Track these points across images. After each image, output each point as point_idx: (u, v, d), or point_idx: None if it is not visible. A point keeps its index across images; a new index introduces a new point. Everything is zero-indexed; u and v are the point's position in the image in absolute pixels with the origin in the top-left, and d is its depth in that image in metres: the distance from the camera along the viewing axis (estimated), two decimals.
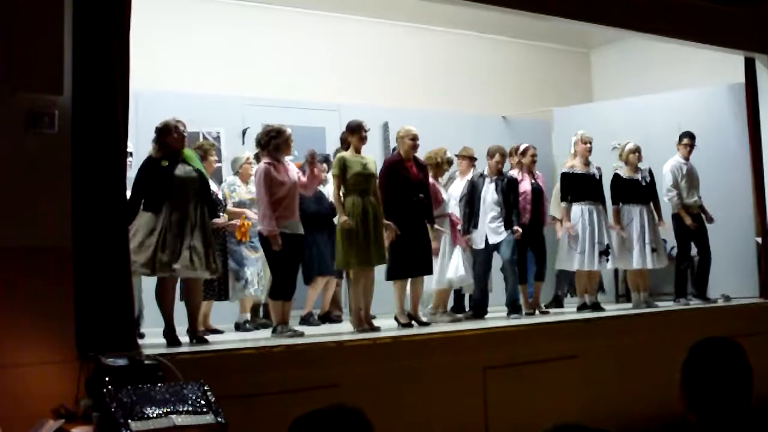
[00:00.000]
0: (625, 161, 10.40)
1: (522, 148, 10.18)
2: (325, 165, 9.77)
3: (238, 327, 9.18)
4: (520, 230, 9.51)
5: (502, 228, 9.48)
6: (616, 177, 10.36)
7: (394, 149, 10.09)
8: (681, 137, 10.80)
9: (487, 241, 9.51)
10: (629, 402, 8.33)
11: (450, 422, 7.14)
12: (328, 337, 7.65)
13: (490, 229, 9.51)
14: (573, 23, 10.36)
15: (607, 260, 10.06)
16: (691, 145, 10.72)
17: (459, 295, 10.11)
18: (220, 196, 8.90)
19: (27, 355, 5.62)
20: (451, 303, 10.02)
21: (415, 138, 8.72)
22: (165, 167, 7.28)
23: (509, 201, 9.55)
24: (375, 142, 10.99)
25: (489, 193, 9.58)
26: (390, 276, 8.58)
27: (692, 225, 10.44)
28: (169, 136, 7.41)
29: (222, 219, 8.76)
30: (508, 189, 9.59)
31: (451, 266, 9.37)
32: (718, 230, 10.67)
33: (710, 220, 10.65)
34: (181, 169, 7.35)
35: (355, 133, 8.32)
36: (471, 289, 9.79)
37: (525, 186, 9.88)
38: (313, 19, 12.12)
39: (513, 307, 9.44)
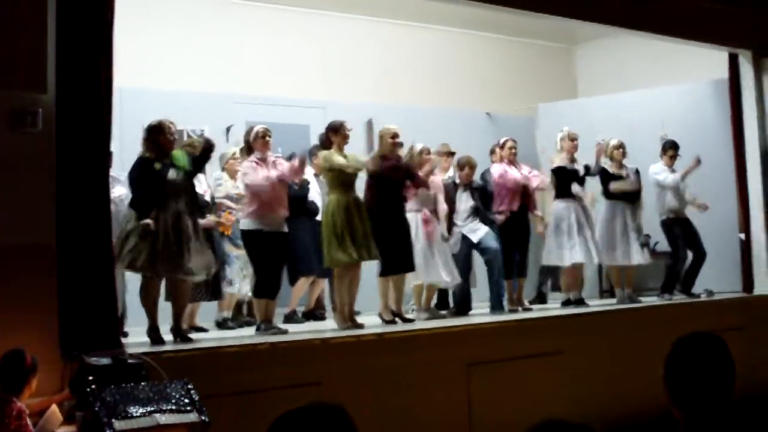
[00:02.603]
0: (609, 157, 10.40)
1: (501, 141, 10.20)
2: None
3: (219, 325, 9.15)
4: (501, 217, 9.68)
5: (479, 224, 9.62)
6: (604, 172, 10.35)
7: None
8: (666, 148, 10.75)
9: (467, 240, 9.60)
10: (615, 397, 8.36)
11: (434, 419, 7.14)
12: (312, 335, 7.65)
13: (469, 229, 9.63)
14: (557, 19, 10.39)
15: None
16: (676, 156, 10.71)
17: (443, 291, 10.10)
18: (207, 197, 8.87)
19: None
20: (434, 300, 10.01)
21: (395, 136, 8.74)
22: (158, 171, 7.25)
23: (483, 209, 9.76)
24: (359, 139, 10.97)
25: (462, 202, 9.73)
26: (384, 272, 8.58)
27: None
28: (162, 136, 7.38)
29: (210, 219, 8.80)
30: (482, 197, 9.81)
31: (441, 267, 9.29)
32: (702, 226, 10.67)
33: (704, 207, 10.65)
34: (172, 173, 7.34)
35: (338, 133, 8.32)
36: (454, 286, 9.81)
37: (514, 174, 9.88)
38: (298, 17, 12.10)
39: (497, 304, 9.48)
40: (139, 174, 7.30)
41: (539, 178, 10.09)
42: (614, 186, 10.26)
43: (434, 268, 9.12)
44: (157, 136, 7.39)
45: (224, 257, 8.95)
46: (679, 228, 10.53)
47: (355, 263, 8.18)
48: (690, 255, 10.56)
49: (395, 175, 8.63)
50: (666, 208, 10.57)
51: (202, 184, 8.71)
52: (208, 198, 8.92)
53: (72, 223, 6.16)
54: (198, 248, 7.33)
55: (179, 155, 7.58)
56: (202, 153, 7.62)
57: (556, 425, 2.30)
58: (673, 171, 10.64)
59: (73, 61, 6.27)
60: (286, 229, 8.06)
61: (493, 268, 9.63)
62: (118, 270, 7.39)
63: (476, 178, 10.06)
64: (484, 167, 10.40)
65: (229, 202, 9.05)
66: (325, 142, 8.45)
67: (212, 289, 8.82)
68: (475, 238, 9.59)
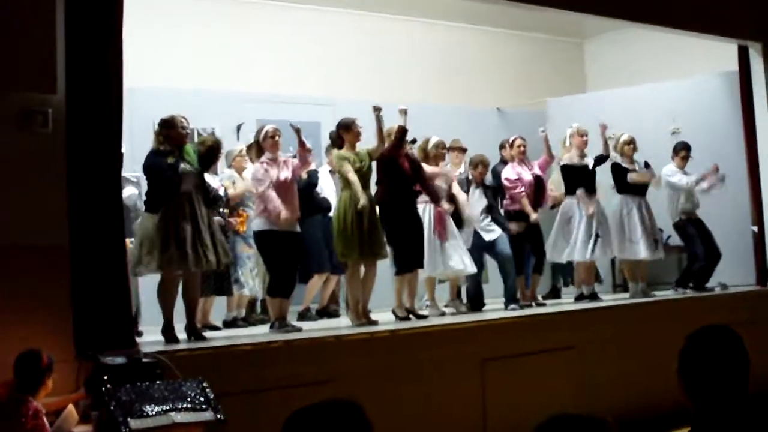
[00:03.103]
0: (620, 153, 10.36)
1: (511, 139, 10.17)
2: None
3: (228, 324, 9.12)
4: (517, 227, 9.61)
5: (493, 225, 9.57)
6: (617, 166, 10.33)
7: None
8: (677, 149, 10.74)
9: (480, 239, 9.56)
10: (628, 391, 8.35)
11: (449, 415, 7.14)
12: (326, 332, 7.65)
13: (482, 228, 9.59)
14: (566, 13, 10.37)
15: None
16: (688, 157, 10.70)
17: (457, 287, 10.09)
18: (221, 192, 8.85)
19: None
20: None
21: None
22: (171, 164, 7.24)
23: (496, 206, 9.75)
24: (369, 135, 10.95)
25: (475, 199, 9.66)
26: (400, 270, 8.53)
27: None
28: (173, 130, 7.38)
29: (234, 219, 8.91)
30: (494, 196, 9.79)
31: (452, 257, 9.24)
32: (714, 219, 10.66)
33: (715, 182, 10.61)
34: (184, 166, 7.34)
35: (349, 131, 8.30)
36: (466, 282, 9.80)
37: (526, 176, 9.83)
38: (307, 14, 12.08)
39: (511, 301, 9.45)
40: (153, 166, 7.30)
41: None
42: (632, 177, 10.22)
43: (445, 259, 9.08)
44: (170, 130, 7.39)
45: (236, 259, 8.91)
46: (693, 228, 10.52)
47: (359, 261, 8.17)
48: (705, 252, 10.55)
49: (403, 162, 8.59)
50: (678, 210, 10.56)
51: (215, 181, 8.73)
52: (222, 194, 8.90)
53: (85, 223, 6.18)
54: (212, 239, 7.34)
55: (190, 151, 7.60)
56: (207, 151, 7.65)
57: (569, 419, 2.31)
58: (685, 173, 10.62)
59: (82, 61, 6.28)
60: (298, 228, 8.07)
61: (507, 273, 9.57)
62: (141, 275, 7.42)
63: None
64: (494, 163, 10.38)
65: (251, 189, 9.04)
66: (337, 140, 8.45)
67: (221, 283, 8.80)
68: (488, 238, 9.55)
